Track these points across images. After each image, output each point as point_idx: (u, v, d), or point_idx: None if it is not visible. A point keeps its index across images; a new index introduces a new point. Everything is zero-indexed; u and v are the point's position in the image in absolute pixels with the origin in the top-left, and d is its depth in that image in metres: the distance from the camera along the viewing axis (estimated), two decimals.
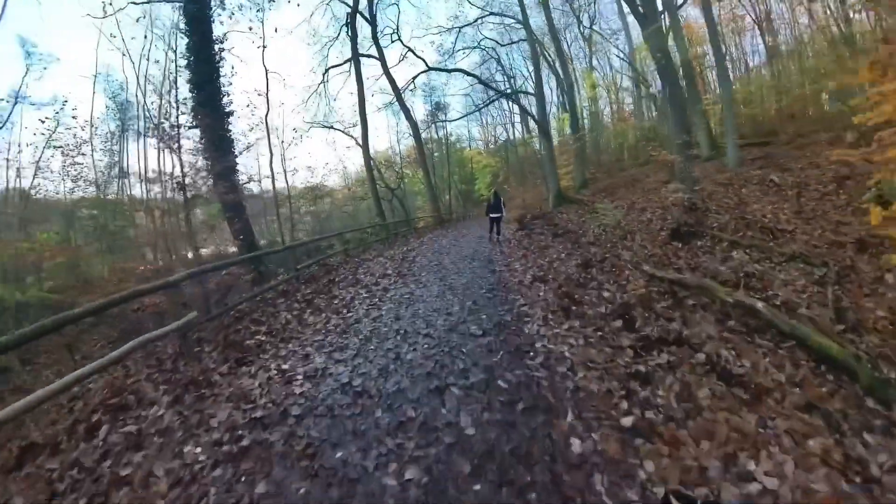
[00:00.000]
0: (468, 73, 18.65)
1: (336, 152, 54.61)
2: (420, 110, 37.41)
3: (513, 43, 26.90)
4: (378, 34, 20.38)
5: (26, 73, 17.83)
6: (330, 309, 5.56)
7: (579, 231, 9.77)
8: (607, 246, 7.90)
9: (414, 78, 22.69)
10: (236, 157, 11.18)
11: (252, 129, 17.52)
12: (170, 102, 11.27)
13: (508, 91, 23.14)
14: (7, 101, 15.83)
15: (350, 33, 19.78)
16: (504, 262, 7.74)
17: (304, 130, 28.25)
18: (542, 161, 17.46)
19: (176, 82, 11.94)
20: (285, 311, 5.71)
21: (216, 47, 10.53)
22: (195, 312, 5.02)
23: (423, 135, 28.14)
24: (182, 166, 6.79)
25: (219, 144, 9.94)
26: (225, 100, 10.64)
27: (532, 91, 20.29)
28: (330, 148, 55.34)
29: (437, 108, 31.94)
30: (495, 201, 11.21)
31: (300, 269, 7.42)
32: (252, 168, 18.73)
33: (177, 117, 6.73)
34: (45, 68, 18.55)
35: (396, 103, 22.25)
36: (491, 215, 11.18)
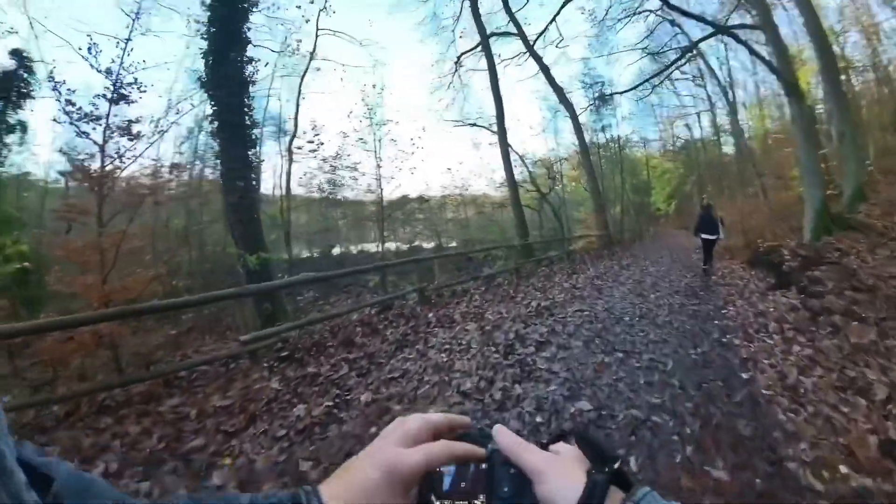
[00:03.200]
0: None
1: (478, 151, 50.57)
2: (579, 107, 31.26)
3: None
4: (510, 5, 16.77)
5: None
6: None
7: None
8: None
9: (556, 15, 18.60)
10: (253, 139, 9.27)
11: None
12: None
13: (722, 25, 13.22)
14: None
15: (472, 6, 16.55)
16: None
17: (448, 128, 26.02)
18: (798, 139, 9.68)
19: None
20: None
21: None
22: None
23: (587, 137, 22.48)
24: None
25: (232, 121, 8.04)
26: (249, 69, 8.64)
27: (756, 24, 11.81)
28: (471, 146, 50.93)
29: (602, 99, 25.75)
30: (709, 217, 8.62)
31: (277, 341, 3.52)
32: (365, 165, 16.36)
33: (117, 79, 4.70)
34: None
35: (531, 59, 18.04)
36: (703, 236, 8.69)
